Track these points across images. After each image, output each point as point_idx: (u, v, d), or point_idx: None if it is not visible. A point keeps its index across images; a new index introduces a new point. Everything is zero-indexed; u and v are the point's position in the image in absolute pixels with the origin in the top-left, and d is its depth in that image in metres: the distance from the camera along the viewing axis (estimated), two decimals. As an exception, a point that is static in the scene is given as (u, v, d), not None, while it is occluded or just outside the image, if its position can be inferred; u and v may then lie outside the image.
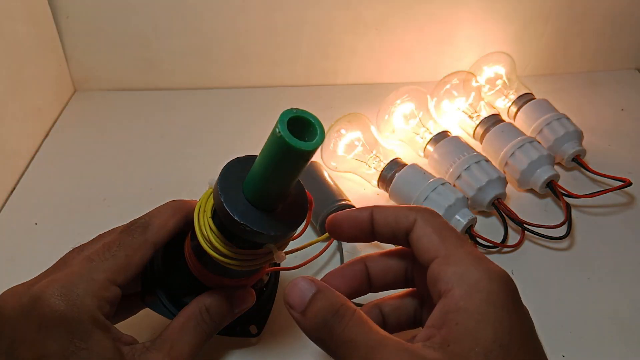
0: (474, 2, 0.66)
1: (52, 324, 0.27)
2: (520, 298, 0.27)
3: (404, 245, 0.31)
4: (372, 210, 0.31)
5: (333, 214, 0.32)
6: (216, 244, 0.31)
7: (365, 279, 0.33)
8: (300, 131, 0.26)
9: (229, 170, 0.30)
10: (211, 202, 0.32)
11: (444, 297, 0.27)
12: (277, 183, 0.29)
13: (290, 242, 0.34)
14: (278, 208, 0.30)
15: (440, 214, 0.32)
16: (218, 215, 0.30)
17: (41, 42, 0.64)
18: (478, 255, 0.28)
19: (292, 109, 0.26)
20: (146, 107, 0.69)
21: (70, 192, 0.57)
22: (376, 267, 0.33)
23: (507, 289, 0.26)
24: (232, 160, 0.31)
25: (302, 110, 0.26)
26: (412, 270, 0.33)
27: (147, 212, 0.34)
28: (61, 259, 0.33)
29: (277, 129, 0.25)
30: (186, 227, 0.34)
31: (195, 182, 0.57)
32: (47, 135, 0.64)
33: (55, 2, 0.64)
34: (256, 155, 0.29)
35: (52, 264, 0.33)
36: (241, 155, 0.32)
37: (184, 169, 0.59)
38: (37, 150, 0.62)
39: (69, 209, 0.55)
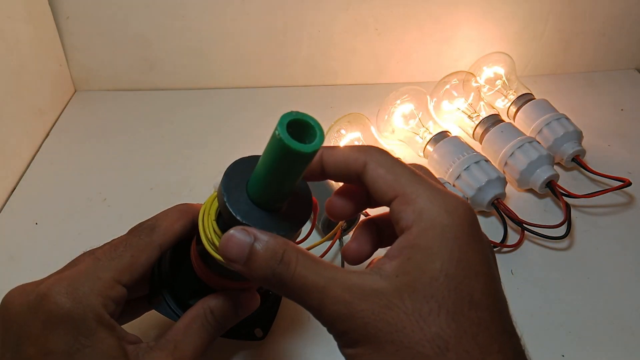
0: (473, 3, 0.66)
1: (57, 321, 0.28)
2: (478, 229, 0.27)
3: (357, 185, 0.30)
4: (323, 151, 0.30)
5: None
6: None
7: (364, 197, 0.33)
8: (300, 133, 0.26)
9: (233, 170, 0.30)
10: (215, 205, 0.32)
11: (404, 233, 0.27)
12: (279, 184, 0.29)
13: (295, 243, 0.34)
14: (282, 208, 0.30)
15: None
16: (222, 217, 0.30)
17: (41, 42, 0.64)
18: (436, 189, 0.27)
19: (291, 112, 0.26)
20: (146, 107, 0.69)
21: (70, 192, 0.57)
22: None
23: (463, 222, 0.26)
24: (237, 160, 0.31)
25: (301, 113, 0.27)
26: None
27: (147, 212, 0.35)
28: (72, 260, 0.33)
29: (276, 132, 0.25)
30: (193, 230, 0.35)
31: (195, 182, 0.57)
32: (47, 135, 0.64)
33: (55, 2, 0.64)
34: (259, 156, 0.29)
35: (52, 264, 0.33)
36: (245, 156, 0.32)
37: (184, 169, 0.59)
38: (37, 151, 0.62)
39: (69, 209, 0.55)
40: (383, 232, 0.33)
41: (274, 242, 0.27)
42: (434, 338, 0.24)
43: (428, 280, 0.25)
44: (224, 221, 0.30)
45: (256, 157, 0.30)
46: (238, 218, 0.28)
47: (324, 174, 0.31)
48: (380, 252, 0.34)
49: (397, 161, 0.29)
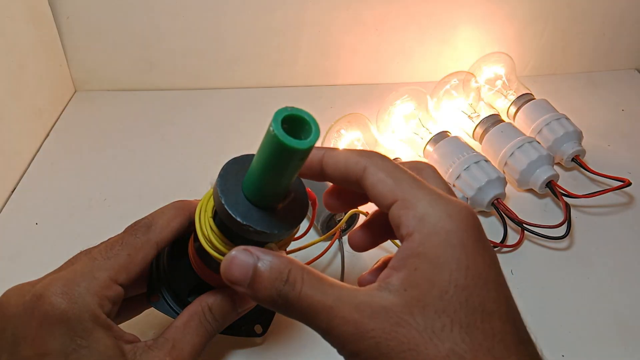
0: (474, 3, 0.66)
1: (53, 321, 0.28)
2: (483, 234, 0.26)
3: (357, 190, 0.30)
4: (324, 152, 0.30)
5: None
6: (217, 244, 0.31)
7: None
8: (295, 129, 0.26)
9: (227, 170, 0.30)
10: (212, 202, 0.32)
11: (405, 241, 0.26)
12: (275, 182, 0.28)
13: (293, 241, 0.34)
14: (279, 206, 0.30)
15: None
16: (219, 216, 0.30)
17: (41, 42, 0.64)
18: (437, 194, 0.27)
19: (286, 107, 0.26)
20: (146, 107, 0.69)
21: (70, 192, 0.57)
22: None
23: (467, 226, 0.26)
24: (230, 160, 0.31)
25: (296, 108, 0.26)
26: None
27: (147, 212, 0.34)
28: (68, 259, 0.33)
29: (271, 128, 0.25)
30: (190, 227, 0.34)
31: (195, 182, 0.57)
32: (47, 135, 0.64)
33: (56, 2, 0.64)
34: (253, 154, 0.29)
35: (52, 264, 0.33)
36: (238, 155, 0.31)
37: (184, 169, 0.59)
38: (37, 151, 0.62)
39: (69, 209, 0.55)
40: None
41: (278, 261, 0.26)
42: (449, 354, 0.23)
43: (438, 293, 0.24)
44: (222, 220, 0.30)
45: (250, 156, 0.30)
46: (238, 220, 0.28)
47: (324, 175, 0.30)
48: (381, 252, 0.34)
49: (397, 166, 0.29)
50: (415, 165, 0.31)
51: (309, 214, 0.33)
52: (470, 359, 0.23)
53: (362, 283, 0.32)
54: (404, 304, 0.24)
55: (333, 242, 0.47)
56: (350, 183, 0.29)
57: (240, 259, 0.27)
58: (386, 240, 0.33)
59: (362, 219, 0.35)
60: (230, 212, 0.28)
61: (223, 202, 0.28)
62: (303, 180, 0.32)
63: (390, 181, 0.27)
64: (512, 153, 0.54)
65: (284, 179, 0.28)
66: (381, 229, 0.32)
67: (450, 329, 0.23)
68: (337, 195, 0.33)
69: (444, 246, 0.25)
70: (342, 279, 0.46)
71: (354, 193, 0.31)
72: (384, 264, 0.31)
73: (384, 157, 0.29)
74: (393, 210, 0.27)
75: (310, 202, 0.32)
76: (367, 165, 0.28)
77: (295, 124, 0.26)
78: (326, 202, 0.33)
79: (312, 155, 0.30)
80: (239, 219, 0.28)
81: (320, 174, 0.30)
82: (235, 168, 0.30)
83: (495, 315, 0.24)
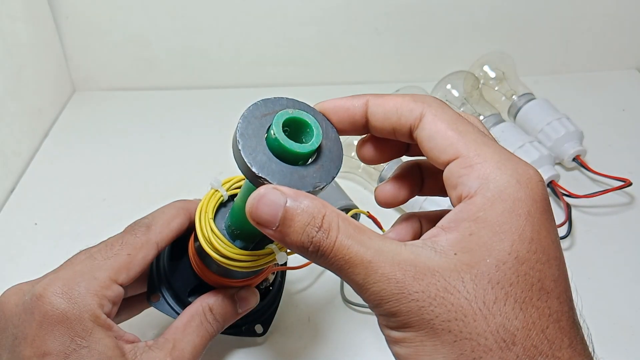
0: (474, 2, 0.66)
1: (53, 321, 0.28)
2: (550, 207, 0.24)
3: (407, 141, 0.27)
4: (368, 99, 0.26)
5: (319, 102, 0.28)
6: (217, 246, 0.31)
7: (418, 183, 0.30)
8: (297, 132, 0.26)
9: (251, 113, 0.26)
10: (213, 202, 0.32)
11: (464, 202, 0.23)
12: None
13: None
14: (307, 161, 0.26)
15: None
16: (218, 215, 0.30)
17: (41, 42, 0.64)
18: (505, 155, 0.24)
19: (287, 110, 0.26)
20: (146, 107, 0.69)
21: (70, 192, 0.57)
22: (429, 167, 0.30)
23: (537, 196, 0.23)
24: (257, 101, 0.27)
25: (298, 110, 0.26)
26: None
27: (147, 212, 0.34)
28: (68, 259, 0.33)
29: (272, 131, 0.25)
30: (190, 226, 0.34)
31: (195, 182, 0.56)
32: (47, 135, 0.64)
33: (55, 2, 0.64)
34: (285, 98, 0.26)
35: (52, 264, 0.33)
36: (267, 97, 0.27)
37: (183, 169, 0.59)
38: (37, 150, 0.62)
39: (69, 209, 0.54)
40: (425, 180, 0.30)
41: (312, 204, 0.23)
42: (499, 330, 0.21)
43: (494, 262, 0.22)
44: (221, 218, 0.30)
45: (281, 100, 0.27)
46: (253, 170, 0.24)
47: (367, 127, 0.27)
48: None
49: (460, 117, 0.25)
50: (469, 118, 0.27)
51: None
52: (521, 337, 0.21)
53: (381, 193, 0.30)
54: (453, 269, 0.22)
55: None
56: (401, 134, 0.26)
57: (270, 198, 0.23)
58: (415, 196, 0.30)
59: (404, 162, 0.30)
60: (245, 159, 0.24)
61: (240, 147, 0.24)
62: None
63: (452, 134, 0.24)
64: (513, 153, 0.54)
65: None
66: (413, 183, 0.30)
67: (503, 303, 0.21)
68: (375, 145, 0.29)
69: (509, 214, 0.22)
70: (343, 281, 0.46)
71: (395, 143, 0.28)
72: (410, 221, 0.29)
73: (443, 105, 0.26)
74: (452, 167, 0.24)
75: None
76: (424, 113, 0.25)
77: (297, 127, 0.26)
78: (361, 153, 0.29)
79: (353, 106, 0.27)
80: (254, 169, 0.24)
81: (364, 126, 0.27)
82: (261, 111, 0.26)
83: (553, 294, 0.22)
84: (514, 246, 0.22)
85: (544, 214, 0.23)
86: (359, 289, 0.23)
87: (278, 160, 0.25)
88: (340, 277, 0.24)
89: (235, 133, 0.25)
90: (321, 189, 0.26)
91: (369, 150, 0.29)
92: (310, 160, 0.26)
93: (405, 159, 0.30)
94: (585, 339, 0.23)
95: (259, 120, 0.26)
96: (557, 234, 0.24)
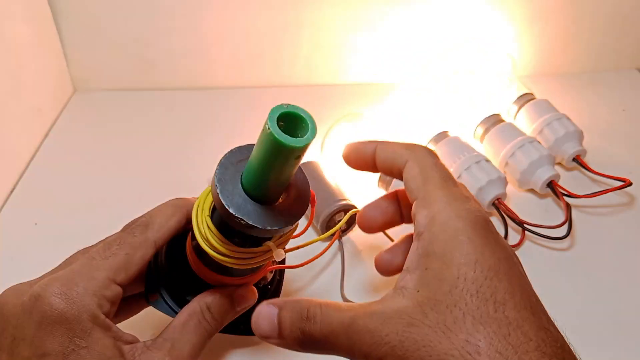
0: (474, 2, 0.66)
1: (51, 322, 0.27)
2: (493, 231, 0.26)
3: (402, 179, 0.31)
4: (377, 145, 0.31)
5: (348, 144, 0.33)
6: (214, 243, 0.30)
7: (398, 211, 0.34)
8: (292, 127, 0.26)
9: (227, 160, 0.29)
10: (210, 200, 0.32)
11: (416, 240, 0.26)
12: (272, 178, 0.28)
13: (292, 240, 0.34)
14: (278, 202, 0.30)
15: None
16: (216, 212, 0.30)
17: (41, 42, 0.64)
18: (454, 196, 0.27)
19: (282, 104, 0.26)
20: (146, 107, 0.69)
21: (70, 192, 0.57)
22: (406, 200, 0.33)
23: (476, 224, 0.26)
24: (232, 149, 0.30)
25: (292, 105, 0.26)
26: None
27: (146, 211, 0.34)
28: (66, 259, 0.33)
29: (267, 126, 0.25)
30: (188, 225, 0.34)
31: (194, 182, 0.56)
32: (47, 135, 0.64)
33: (55, 2, 0.64)
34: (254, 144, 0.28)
35: (52, 264, 0.33)
36: (242, 145, 0.31)
37: (183, 169, 0.59)
38: (37, 150, 0.62)
39: (69, 209, 0.54)
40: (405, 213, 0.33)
41: (298, 304, 0.27)
42: (463, 345, 0.23)
43: (448, 288, 0.24)
44: (220, 218, 0.30)
45: (252, 146, 0.29)
46: (231, 211, 0.27)
47: (376, 167, 0.32)
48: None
49: (435, 165, 0.29)
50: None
51: (307, 212, 0.33)
52: (485, 347, 0.23)
53: (379, 262, 0.33)
54: (416, 304, 0.24)
55: (333, 242, 0.47)
56: (397, 174, 0.31)
57: (264, 312, 0.28)
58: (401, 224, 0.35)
59: (402, 236, 0.36)
60: (224, 202, 0.27)
61: (218, 191, 0.28)
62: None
63: (420, 179, 0.28)
64: (513, 153, 0.54)
65: (281, 176, 0.28)
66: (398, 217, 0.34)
67: (463, 321, 0.23)
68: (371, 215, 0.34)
69: (452, 243, 0.25)
70: (342, 279, 0.46)
71: (392, 218, 0.33)
72: (404, 241, 0.33)
73: (427, 153, 0.30)
74: (413, 208, 0.28)
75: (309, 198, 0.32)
76: (408, 159, 0.29)
77: (292, 121, 0.26)
78: (360, 222, 0.34)
79: (366, 148, 0.32)
80: (231, 211, 0.27)
81: (373, 166, 0.32)
82: (236, 157, 0.29)
83: (508, 304, 0.24)
84: (461, 270, 0.24)
85: (484, 238, 0.26)
86: (349, 354, 0.26)
87: (252, 202, 0.28)
88: (334, 353, 0.26)
89: (214, 179, 0.28)
90: (293, 225, 0.29)
91: (366, 219, 0.34)
92: (280, 200, 0.29)
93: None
94: (564, 339, 0.25)
95: (234, 166, 0.29)
96: (506, 252, 0.26)
